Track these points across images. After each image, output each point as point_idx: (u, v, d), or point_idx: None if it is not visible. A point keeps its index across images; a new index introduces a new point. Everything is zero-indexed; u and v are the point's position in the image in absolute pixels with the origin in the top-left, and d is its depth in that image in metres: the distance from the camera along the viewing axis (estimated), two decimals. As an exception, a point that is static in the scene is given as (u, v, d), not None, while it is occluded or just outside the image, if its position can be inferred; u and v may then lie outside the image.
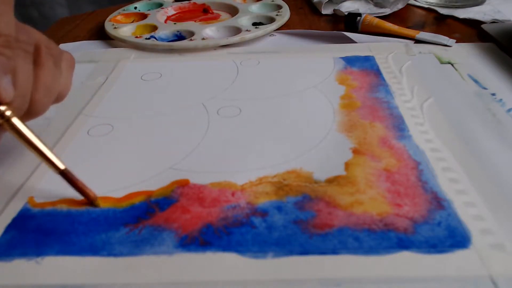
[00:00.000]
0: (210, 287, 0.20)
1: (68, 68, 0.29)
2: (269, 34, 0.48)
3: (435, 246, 0.21)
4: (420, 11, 0.55)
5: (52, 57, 0.27)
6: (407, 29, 0.46)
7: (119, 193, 0.26)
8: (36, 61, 0.25)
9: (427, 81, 0.37)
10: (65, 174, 0.24)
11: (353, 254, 0.21)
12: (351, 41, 0.45)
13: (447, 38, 0.44)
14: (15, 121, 0.23)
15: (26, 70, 0.24)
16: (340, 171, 0.27)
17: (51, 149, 0.24)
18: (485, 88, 0.36)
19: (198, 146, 0.30)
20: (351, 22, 0.48)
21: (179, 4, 0.56)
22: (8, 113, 0.23)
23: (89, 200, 0.25)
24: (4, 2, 0.24)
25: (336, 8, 0.53)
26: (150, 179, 0.27)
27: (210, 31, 0.48)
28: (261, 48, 0.45)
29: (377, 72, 0.38)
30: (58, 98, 0.28)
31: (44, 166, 0.28)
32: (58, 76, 0.27)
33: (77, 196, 0.25)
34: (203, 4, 0.56)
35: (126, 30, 0.49)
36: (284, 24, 0.50)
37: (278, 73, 0.39)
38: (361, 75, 0.38)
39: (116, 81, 0.39)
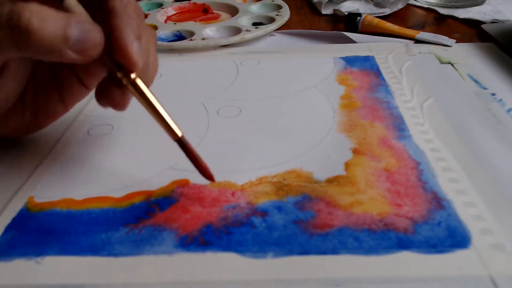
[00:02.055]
0: (210, 287, 0.20)
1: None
2: (269, 34, 0.48)
3: (435, 246, 0.21)
4: (420, 11, 0.55)
5: (154, 38, 0.28)
6: (407, 29, 0.46)
7: (119, 193, 0.26)
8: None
9: (427, 81, 0.37)
10: (181, 142, 0.24)
11: (353, 254, 0.21)
12: (351, 41, 0.45)
13: (447, 38, 0.44)
14: (139, 83, 0.23)
15: (146, 35, 0.25)
16: (340, 171, 0.27)
17: (170, 115, 0.24)
18: (485, 88, 0.36)
19: (198, 146, 0.30)
20: (351, 22, 0.49)
21: (179, 4, 0.56)
22: (133, 75, 0.23)
23: (203, 175, 0.25)
24: None
25: (336, 8, 0.53)
26: (150, 179, 0.27)
27: (210, 31, 0.48)
28: (261, 48, 0.45)
29: (377, 72, 0.38)
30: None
31: (44, 165, 0.28)
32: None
33: (77, 196, 0.25)
34: (203, 4, 0.56)
35: (126, 30, 0.49)
36: (284, 24, 0.50)
37: (278, 73, 0.39)
38: (361, 75, 0.38)
39: (116, 81, 0.39)
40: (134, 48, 0.22)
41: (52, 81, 0.27)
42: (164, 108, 0.24)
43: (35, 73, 0.27)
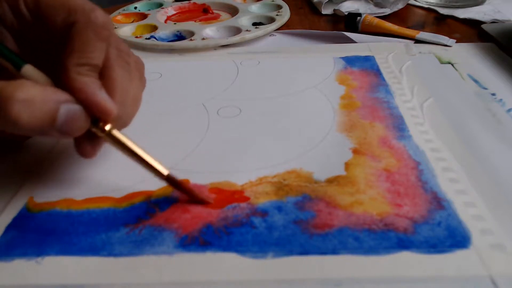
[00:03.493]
0: (210, 287, 0.20)
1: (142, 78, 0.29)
2: (269, 34, 0.48)
3: (435, 246, 0.21)
4: (420, 11, 0.55)
5: (138, 70, 0.28)
6: (407, 29, 0.46)
7: (119, 193, 0.26)
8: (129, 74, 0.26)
9: (427, 81, 0.37)
10: (170, 179, 0.24)
11: (353, 254, 0.21)
12: (351, 41, 0.45)
13: (447, 38, 0.44)
14: (116, 133, 0.23)
15: (125, 82, 0.25)
16: (340, 171, 0.27)
17: (152, 156, 0.24)
18: (485, 88, 0.36)
19: (198, 146, 0.30)
20: (351, 22, 0.48)
21: (179, 4, 0.56)
22: (107, 127, 0.23)
23: (200, 201, 0.24)
24: None
25: (336, 8, 0.53)
26: (150, 179, 0.26)
27: (210, 31, 0.48)
28: (261, 48, 0.45)
29: (377, 72, 0.38)
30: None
31: (44, 166, 0.28)
32: (142, 88, 0.28)
33: (78, 196, 0.25)
34: (203, 4, 0.56)
35: (126, 30, 0.49)
36: (284, 24, 0.50)
37: (278, 73, 0.39)
38: (361, 75, 0.38)
39: (116, 81, 0.39)
40: (100, 97, 0.22)
41: None
42: (144, 151, 0.24)
43: None
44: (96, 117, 0.23)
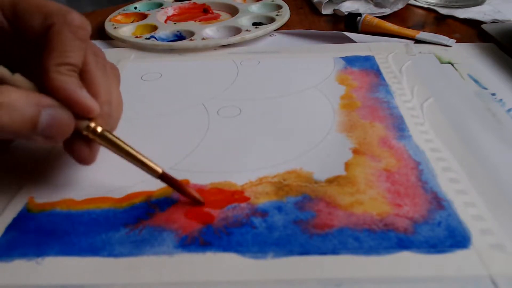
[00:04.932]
0: (210, 287, 0.20)
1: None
2: (269, 34, 0.48)
3: (435, 246, 0.21)
4: (420, 11, 0.55)
5: (115, 76, 0.28)
6: (407, 29, 0.46)
7: (119, 194, 0.26)
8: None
9: (427, 81, 0.37)
10: (164, 177, 0.24)
11: (353, 254, 0.21)
12: (351, 41, 0.45)
13: (447, 38, 0.44)
14: (108, 134, 0.23)
15: (107, 85, 0.25)
16: (340, 171, 0.27)
17: (145, 155, 0.24)
18: (485, 88, 0.36)
19: (198, 146, 0.30)
20: (351, 22, 0.48)
21: (179, 4, 0.56)
22: (99, 128, 0.23)
23: (192, 200, 0.24)
24: None
25: (336, 8, 0.53)
26: (150, 180, 0.26)
27: (210, 31, 0.48)
28: (261, 48, 0.45)
29: (377, 72, 0.38)
30: None
31: (44, 166, 0.28)
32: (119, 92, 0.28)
33: (78, 196, 0.25)
34: (203, 4, 0.56)
35: (126, 30, 0.49)
36: (284, 24, 0.50)
37: (278, 73, 0.39)
38: (361, 75, 0.38)
39: (116, 81, 0.39)
40: (81, 95, 0.22)
41: None
42: (137, 151, 0.24)
43: None
44: (86, 119, 0.23)
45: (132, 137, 0.31)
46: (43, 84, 0.22)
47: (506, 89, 0.35)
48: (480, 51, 0.42)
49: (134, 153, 0.24)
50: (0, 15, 0.24)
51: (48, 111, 0.21)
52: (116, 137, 0.24)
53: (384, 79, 0.37)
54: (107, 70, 0.26)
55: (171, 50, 0.45)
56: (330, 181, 0.26)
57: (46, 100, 0.22)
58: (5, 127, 0.20)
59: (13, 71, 0.22)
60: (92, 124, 0.23)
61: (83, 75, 0.24)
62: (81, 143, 0.23)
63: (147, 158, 0.24)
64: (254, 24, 0.50)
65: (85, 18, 0.24)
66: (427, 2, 0.56)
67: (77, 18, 0.24)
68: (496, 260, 0.20)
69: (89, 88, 0.24)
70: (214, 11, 0.55)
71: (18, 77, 0.22)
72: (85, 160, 0.24)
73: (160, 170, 0.24)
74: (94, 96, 0.23)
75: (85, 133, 0.23)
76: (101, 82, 0.24)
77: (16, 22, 0.24)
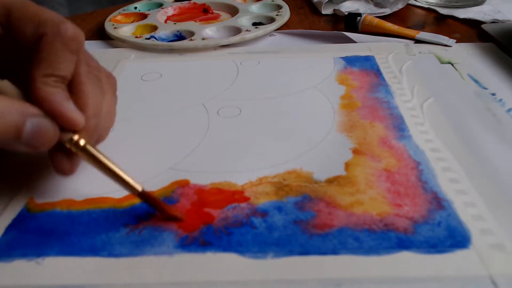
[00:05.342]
0: (210, 287, 0.20)
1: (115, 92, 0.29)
2: (269, 34, 0.48)
3: (435, 246, 0.21)
4: (420, 11, 0.55)
5: (110, 84, 0.28)
6: (407, 29, 0.46)
7: (119, 194, 0.26)
8: (101, 88, 0.26)
9: (427, 81, 0.37)
10: (144, 195, 0.23)
11: (353, 254, 0.21)
12: (351, 41, 0.45)
13: (447, 38, 0.44)
14: (90, 148, 0.23)
15: (97, 97, 0.25)
16: (340, 171, 0.27)
17: (126, 172, 0.23)
18: (485, 88, 0.36)
19: (198, 147, 0.30)
20: (351, 22, 0.48)
21: (179, 4, 0.56)
22: (82, 142, 0.23)
23: (173, 218, 0.24)
24: None
25: (336, 8, 0.53)
26: (151, 180, 0.27)
27: (210, 31, 0.48)
28: (261, 48, 0.45)
29: (377, 72, 0.38)
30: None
31: (44, 166, 0.28)
32: (115, 102, 0.28)
33: (78, 196, 0.25)
34: (203, 4, 0.56)
35: (126, 30, 0.49)
36: (284, 24, 0.50)
37: (278, 73, 0.39)
38: (361, 75, 0.38)
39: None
40: (67, 107, 0.22)
41: None
42: (118, 167, 0.23)
43: None
44: (70, 132, 0.23)
45: (132, 137, 0.31)
46: (28, 92, 0.22)
47: (506, 89, 0.35)
48: (480, 51, 0.42)
49: (116, 169, 0.23)
50: None
51: (33, 121, 0.21)
52: (99, 152, 0.23)
53: (384, 79, 0.37)
54: (102, 80, 0.26)
55: (171, 50, 0.45)
56: (330, 181, 0.26)
57: (32, 109, 0.21)
58: None
59: (1, 77, 0.22)
60: (76, 137, 0.23)
61: (73, 86, 0.24)
62: (62, 155, 0.23)
63: (127, 175, 0.23)
64: (254, 24, 0.50)
65: (79, 29, 0.24)
66: (427, 2, 0.56)
67: (70, 29, 0.23)
68: (496, 260, 0.20)
69: (78, 99, 0.23)
70: (214, 11, 0.55)
71: (6, 83, 0.22)
72: (64, 172, 0.24)
73: (140, 188, 0.23)
74: (82, 108, 0.23)
75: (68, 146, 0.23)
76: (91, 94, 0.24)
77: (9, 28, 0.24)
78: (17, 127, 0.21)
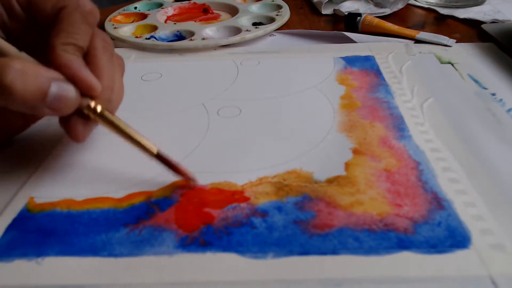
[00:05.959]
0: (210, 287, 0.20)
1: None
2: (269, 34, 0.48)
3: (435, 246, 0.21)
4: (420, 11, 0.55)
5: (120, 65, 0.29)
6: (407, 29, 0.46)
7: (119, 194, 0.26)
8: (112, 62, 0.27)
9: (427, 81, 0.37)
10: (159, 157, 0.25)
11: (353, 254, 0.21)
12: (351, 41, 0.45)
13: (447, 38, 0.44)
14: (107, 114, 0.24)
15: (111, 70, 0.26)
16: (340, 171, 0.27)
17: (143, 136, 0.25)
18: (485, 88, 0.36)
19: (198, 146, 0.30)
20: (351, 22, 0.48)
21: (179, 4, 0.56)
22: (99, 108, 0.24)
23: (187, 179, 0.26)
24: None
25: (336, 8, 0.53)
26: (151, 180, 0.27)
27: (210, 31, 0.48)
28: (261, 48, 0.45)
29: (377, 72, 0.38)
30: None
31: (44, 166, 0.28)
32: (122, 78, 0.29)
33: (78, 196, 0.25)
34: (203, 4, 0.56)
35: (126, 30, 0.49)
36: (284, 24, 0.50)
37: (278, 73, 0.39)
38: (361, 75, 0.38)
39: (116, 81, 0.39)
40: (85, 73, 0.23)
41: None
42: (134, 131, 0.25)
43: None
44: (87, 98, 0.24)
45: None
46: (49, 63, 0.23)
47: (506, 89, 0.35)
48: (480, 51, 0.42)
49: (131, 133, 0.25)
50: (16, 5, 0.25)
51: (57, 84, 0.22)
52: (115, 118, 0.25)
53: (384, 79, 0.37)
54: (114, 58, 0.27)
55: (171, 50, 0.45)
56: (330, 181, 0.26)
57: (55, 74, 0.23)
58: (17, 94, 0.21)
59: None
60: (93, 103, 0.24)
61: (89, 58, 0.25)
62: (79, 120, 0.24)
63: (144, 138, 0.25)
64: (254, 24, 0.50)
65: (95, 6, 0.25)
66: (427, 2, 0.56)
67: (88, 5, 0.25)
68: (496, 260, 0.20)
69: (94, 71, 0.24)
70: (214, 11, 0.55)
71: (24, 55, 0.23)
72: (78, 137, 0.25)
73: (155, 150, 0.25)
74: (98, 79, 0.24)
75: (86, 111, 0.24)
76: (106, 67, 0.25)
77: (30, 9, 0.25)
78: (43, 89, 0.22)
